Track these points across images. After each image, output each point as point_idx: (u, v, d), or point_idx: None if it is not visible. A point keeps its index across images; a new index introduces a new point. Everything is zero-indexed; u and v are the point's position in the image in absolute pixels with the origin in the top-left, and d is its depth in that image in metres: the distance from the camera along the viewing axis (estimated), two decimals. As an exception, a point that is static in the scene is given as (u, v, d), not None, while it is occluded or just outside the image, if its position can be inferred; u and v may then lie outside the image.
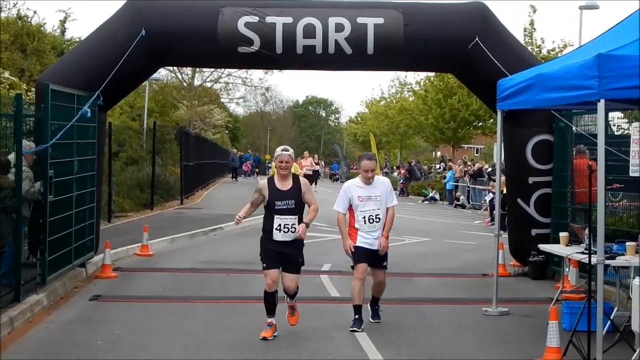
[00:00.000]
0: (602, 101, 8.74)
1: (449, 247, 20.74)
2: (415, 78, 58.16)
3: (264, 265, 10.36)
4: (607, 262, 9.70)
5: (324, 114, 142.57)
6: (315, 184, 44.05)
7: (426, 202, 43.46)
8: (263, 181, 10.43)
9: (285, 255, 10.30)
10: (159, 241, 19.71)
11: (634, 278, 9.10)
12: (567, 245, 11.67)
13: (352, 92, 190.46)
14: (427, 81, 52.13)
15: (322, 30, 14.79)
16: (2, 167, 11.38)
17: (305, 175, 37.33)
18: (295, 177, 10.38)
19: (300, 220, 10.31)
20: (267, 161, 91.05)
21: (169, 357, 9.47)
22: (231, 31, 14.86)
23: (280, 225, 10.15)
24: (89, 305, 12.50)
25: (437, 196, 43.96)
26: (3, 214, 11.33)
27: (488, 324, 11.69)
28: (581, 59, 9.42)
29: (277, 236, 10.17)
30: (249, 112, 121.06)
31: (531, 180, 15.42)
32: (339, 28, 14.79)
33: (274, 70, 52.11)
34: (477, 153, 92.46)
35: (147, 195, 29.42)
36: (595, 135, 11.19)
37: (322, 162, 58.43)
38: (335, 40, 14.84)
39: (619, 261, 10.18)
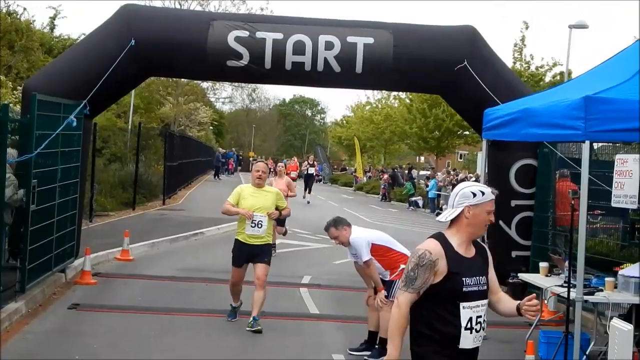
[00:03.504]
0: (587, 143, 8.84)
1: (429, 261, 20.60)
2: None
3: None
4: (586, 297, 9.80)
5: (309, 114, 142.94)
6: (309, 191, 42.62)
7: (411, 208, 43.56)
8: (431, 243, 5.54)
9: None
10: (139, 245, 19.66)
11: (611, 318, 9.16)
12: (546, 276, 11.77)
13: (338, 94, 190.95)
14: (413, 89, 52.24)
15: (311, 48, 14.84)
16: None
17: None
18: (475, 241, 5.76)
19: None
20: (251, 158, 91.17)
21: (147, 377, 9.47)
22: (221, 45, 14.87)
23: (472, 319, 5.51)
24: (67, 315, 12.44)
25: (420, 202, 44.13)
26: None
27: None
28: (568, 96, 9.51)
29: (467, 342, 5.48)
30: (234, 109, 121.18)
31: (513, 203, 15.49)
32: (329, 46, 14.85)
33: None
34: (460, 159, 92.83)
35: (129, 194, 29.36)
36: (578, 161, 11.24)
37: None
38: (325, 58, 14.89)
39: (598, 297, 10.26)
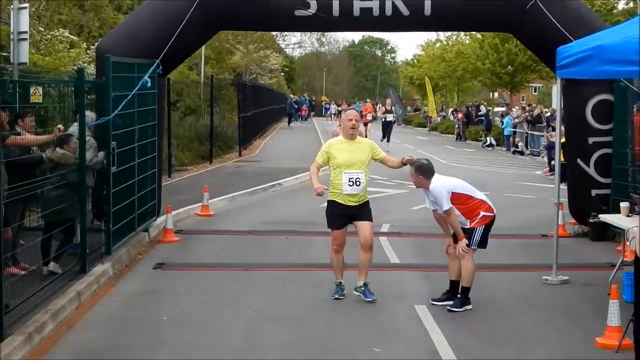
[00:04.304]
0: (664, 80, 8.63)
1: (508, 202, 20.31)
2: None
3: None
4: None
5: (379, 54, 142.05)
6: (388, 140, 37.52)
7: (489, 148, 42.99)
8: None
9: None
10: (219, 200, 19.90)
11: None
12: (627, 216, 11.55)
13: (407, 33, 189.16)
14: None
15: (379, -8, 14.75)
16: (63, 142, 11.44)
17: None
18: None
19: None
20: (323, 102, 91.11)
21: (233, 334, 9.56)
22: (288, -5, 14.88)
23: None
24: (153, 274, 12.65)
25: (494, 142, 43.63)
26: (67, 188, 11.45)
27: (548, 294, 11.61)
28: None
29: None
30: (304, 53, 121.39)
31: (591, 140, 15.24)
32: (397, -11, 14.73)
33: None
34: (534, 92, 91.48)
35: (205, 147, 29.72)
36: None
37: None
38: (393, 2, 14.76)
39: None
